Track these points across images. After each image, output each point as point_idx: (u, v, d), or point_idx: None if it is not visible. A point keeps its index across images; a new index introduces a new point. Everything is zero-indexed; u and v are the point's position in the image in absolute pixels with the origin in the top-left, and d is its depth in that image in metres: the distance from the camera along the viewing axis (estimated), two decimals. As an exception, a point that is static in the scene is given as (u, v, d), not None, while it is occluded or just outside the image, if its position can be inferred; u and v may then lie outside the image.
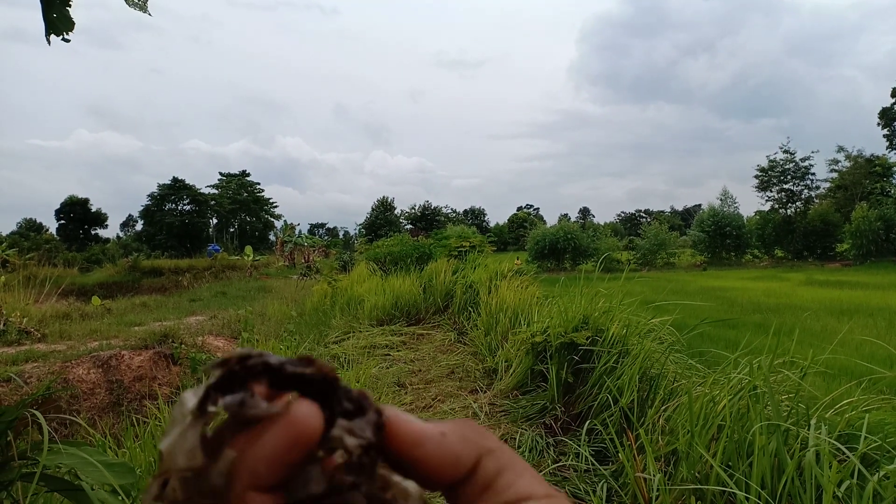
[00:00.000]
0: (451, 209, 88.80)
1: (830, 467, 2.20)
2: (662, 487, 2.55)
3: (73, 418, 3.75)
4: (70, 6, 2.25)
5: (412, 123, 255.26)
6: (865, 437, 2.43)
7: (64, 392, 5.20)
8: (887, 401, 3.03)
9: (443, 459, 0.31)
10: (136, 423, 3.71)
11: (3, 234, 48.72)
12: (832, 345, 3.39)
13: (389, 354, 7.15)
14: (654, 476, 2.57)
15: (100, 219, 67.34)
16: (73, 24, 2.31)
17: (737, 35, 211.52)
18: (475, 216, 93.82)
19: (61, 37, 2.27)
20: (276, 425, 0.28)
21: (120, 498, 2.01)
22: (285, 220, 27.91)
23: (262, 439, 0.28)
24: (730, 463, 2.59)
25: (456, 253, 14.01)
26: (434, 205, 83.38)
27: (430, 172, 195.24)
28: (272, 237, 68.72)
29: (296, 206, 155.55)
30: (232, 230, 74.72)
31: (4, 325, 7.24)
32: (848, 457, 2.28)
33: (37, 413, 1.92)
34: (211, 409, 0.28)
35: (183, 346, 6.44)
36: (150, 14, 2.33)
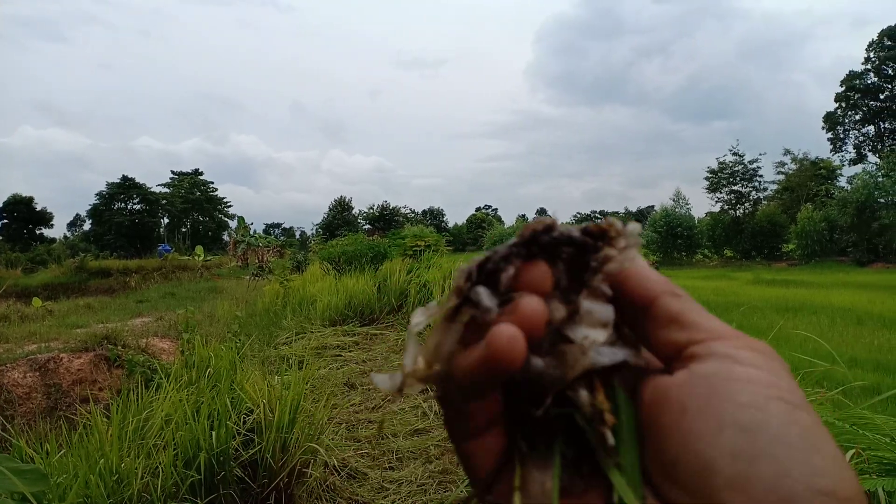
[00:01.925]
0: (410, 209, 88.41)
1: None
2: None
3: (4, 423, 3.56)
4: None
5: (371, 122, 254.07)
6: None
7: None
8: (821, 393, 3.09)
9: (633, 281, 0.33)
10: (67, 429, 3.54)
11: (-59, 233, 46.66)
12: (768, 338, 3.44)
13: (341, 355, 7.05)
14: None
15: (45, 218, 65.19)
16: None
17: (691, 38, 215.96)
18: (434, 216, 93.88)
19: None
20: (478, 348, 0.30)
21: (31, 506, 1.89)
22: (241, 218, 27.18)
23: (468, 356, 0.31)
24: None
25: (411, 252, 13.98)
26: (393, 205, 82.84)
27: (389, 172, 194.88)
28: (226, 237, 67.43)
29: (251, 205, 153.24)
30: (184, 230, 73.11)
31: (-67, 327, 6.90)
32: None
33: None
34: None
35: (125, 347, 6.22)
36: None
